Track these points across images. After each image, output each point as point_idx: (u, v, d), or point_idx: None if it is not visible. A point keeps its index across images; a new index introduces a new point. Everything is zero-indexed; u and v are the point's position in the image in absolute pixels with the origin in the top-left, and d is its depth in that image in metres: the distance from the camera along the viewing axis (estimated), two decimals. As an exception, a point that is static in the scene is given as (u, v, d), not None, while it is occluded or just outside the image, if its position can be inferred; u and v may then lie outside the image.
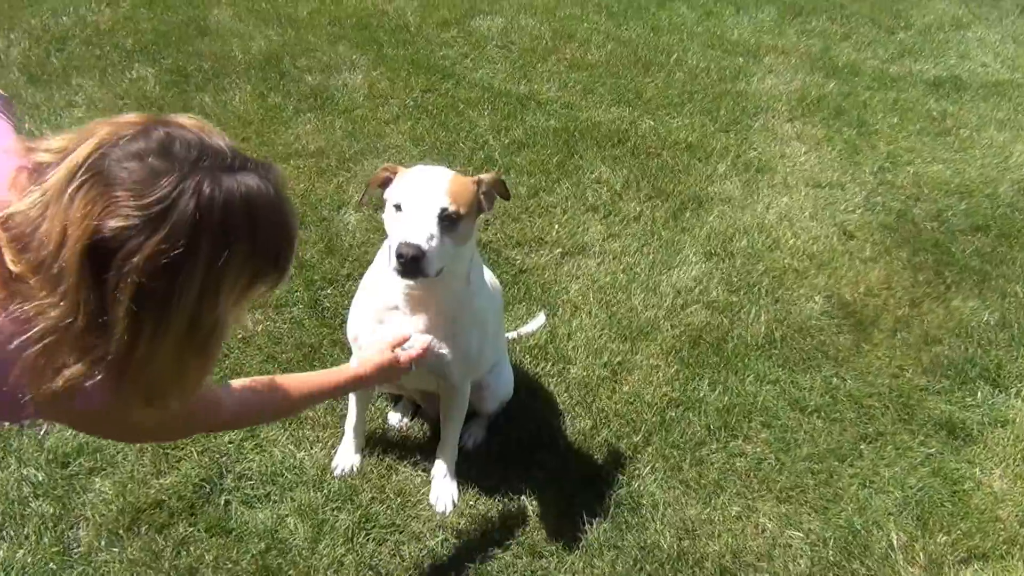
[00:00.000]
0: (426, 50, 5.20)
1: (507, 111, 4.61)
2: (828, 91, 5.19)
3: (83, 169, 1.16)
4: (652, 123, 4.66)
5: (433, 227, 1.99)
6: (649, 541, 2.54)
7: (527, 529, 2.55)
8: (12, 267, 1.18)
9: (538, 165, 4.17)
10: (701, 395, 3.03)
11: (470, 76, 4.97)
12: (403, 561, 2.43)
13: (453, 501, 2.61)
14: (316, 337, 3.08)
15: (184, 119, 1.28)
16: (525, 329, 3.18)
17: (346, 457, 2.68)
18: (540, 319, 3.20)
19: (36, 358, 1.19)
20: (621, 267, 3.59)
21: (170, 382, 1.31)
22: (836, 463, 2.84)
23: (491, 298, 2.47)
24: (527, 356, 3.11)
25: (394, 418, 2.86)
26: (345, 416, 2.70)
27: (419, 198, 2.01)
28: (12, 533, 2.38)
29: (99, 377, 1.22)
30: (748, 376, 3.12)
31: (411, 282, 2.12)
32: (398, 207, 2.04)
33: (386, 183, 2.16)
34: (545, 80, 5.00)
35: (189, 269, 1.19)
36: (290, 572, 2.35)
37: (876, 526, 2.64)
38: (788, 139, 4.69)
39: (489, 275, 2.55)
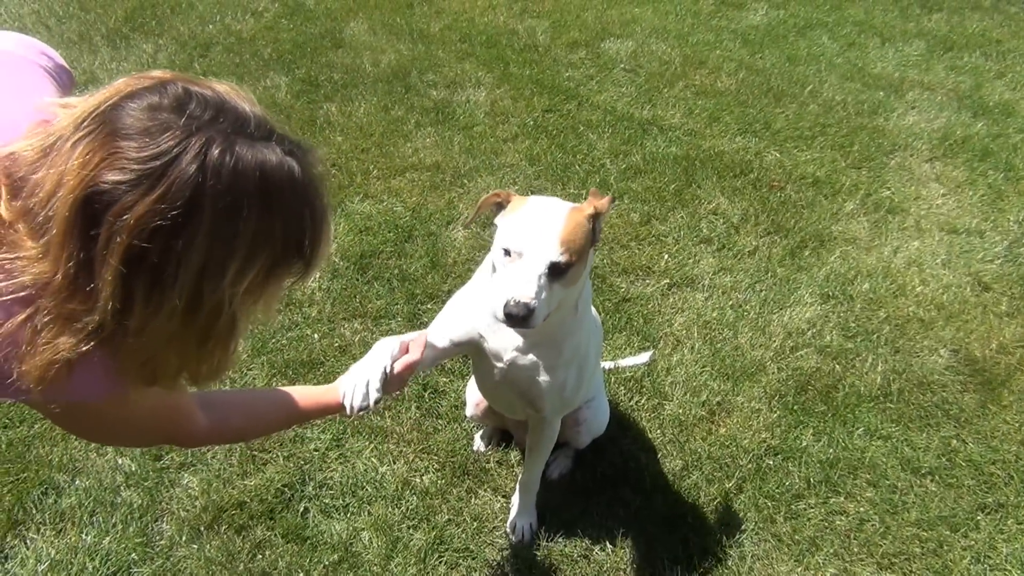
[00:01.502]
0: (552, 70, 5.18)
1: (627, 135, 4.53)
2: (975, 131, 4.86)
3: (92, 117, 1.09)
4: (778, 155, 4.48)
5: (543, 280, 1.86)
6: (732, 596, 2.40)
7: (603, 569, 2.46)
8: (3, 212, 1.11)
9: (653, 192, 4.07)
10: (803, 445, 2.85)
11: (594, 98, 4.91)
12: (472, 588, 2.38)
13: (532, 531, 2.54)
14: (411, 351, 3.07)
15: (217, 83, 1.19)
16: (626, 362, 3.08)
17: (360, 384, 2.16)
18: (645, 356, 3.08)
19: (21, 323, 1.11)
20: (730, 303, 3.45)
21: (170, 365, 1.21)
22: (948, 532, 2.62)
23: (594, 330, 2.37)
24: (622, 388, 3.01)
25: (479, 443, 2.81)
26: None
27: (530, 248, 1.87)
28: (101, 520, 2.46)
29: (87, 351, 1.12)
30: (857, 429, 2.93)
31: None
32: (507, 252, 1.91)
33: (498, 207, 2.05)
34: (670, 106, 4.89)
35: (188, 238, 1.08)
36: (359, 586, 2.34)
37: (988, 607, 2.42)
38: (926, 180, 4.41)
39: (591, 308, 2.47)
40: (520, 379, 2.19)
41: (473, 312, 2.21)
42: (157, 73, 1.16)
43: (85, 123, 1.08)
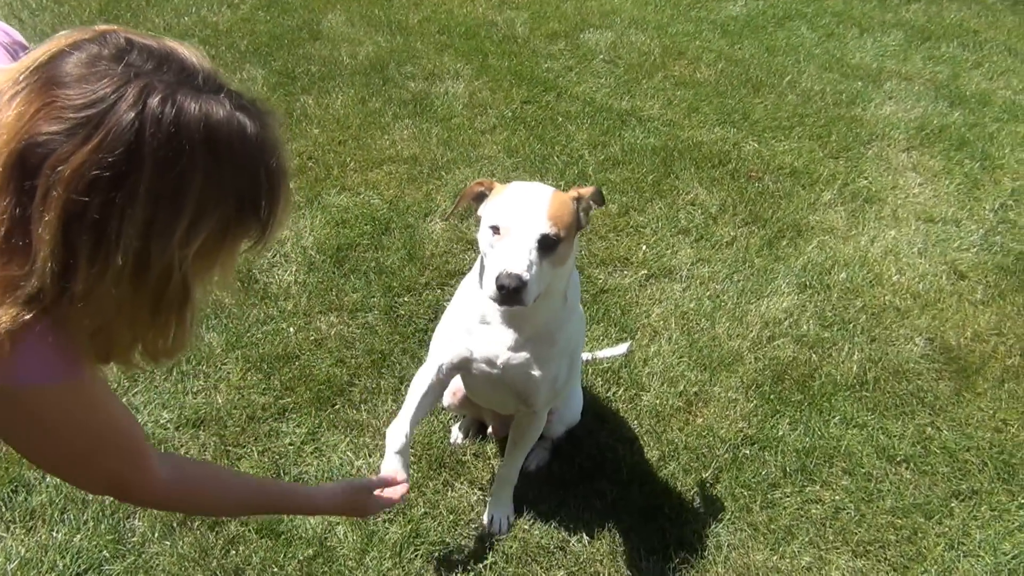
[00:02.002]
0: (531, 62, 5.16)
1: (606, 126, 4.52)
2: (952, 121, 4.89)
3: (30, 71, 1.04)
4: (757, 146, 4.49)
5: (533, 254, 1.88)
6: (708, 585, 2.40)
7: (580, 560, 2.45)
8: None
9: (632, 183, 4.06)
10: (780, 434, 2.86)
11: (573, 89, 4.90)
12: (449, 581, 2.37)
13: (509, 524, 2.54)
14: (388, 344, 3.06)
15: (169, 39, 1.14)
16: (603, 353, 3.08)
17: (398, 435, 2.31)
18: (623, 348, 3.09)
19: None
20: (708, 293, 3.45)
21: (123, 336, 1.15)
22: (922, 519, 2.63)
23: (581, 323, 2.37)
24: (599, 379, 3.01)
25: (456, 434, 2.80)
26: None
27: (518, 222, 1.89)
28: (73, 517, 2.44)
29: (29, 320, 1.05)
30: (833, 418, 2.94)
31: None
32: (495, 229, 1.93)
33: (480, 198, 2.06)
34: (649, 97, 4.89)
35: (129, 191, 1.02)
36: (333, 581, 2.33)
37: (962, 593, 2.44)
38: (903, 169, 4.43)
39: None
40: (516, 377, 2.18)
41: (459, 329, 2.23)
42: (101, 26, 1.11)
43: (23, 77, 1.04)
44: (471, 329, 2.19)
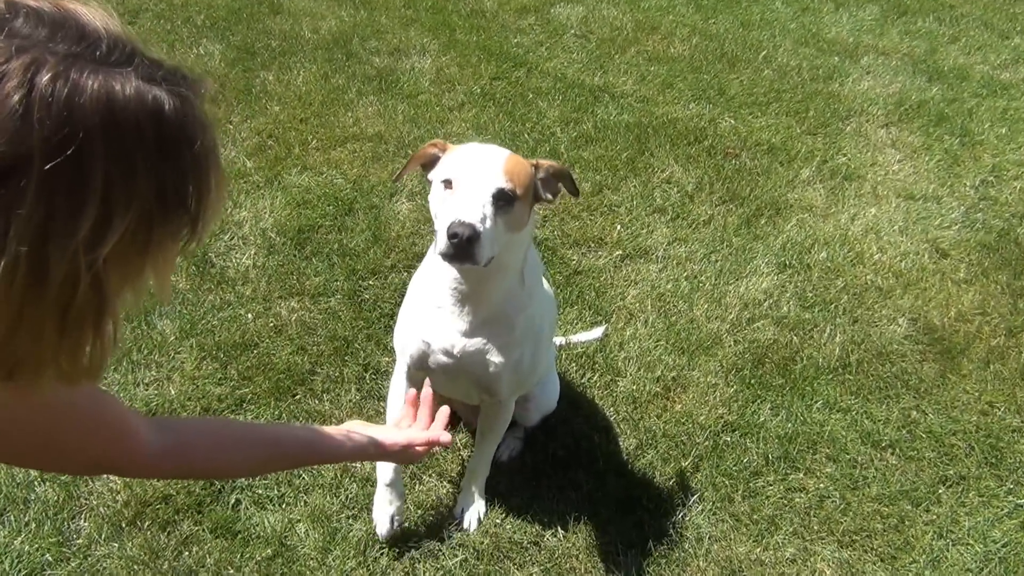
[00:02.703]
0: (500, 36, 5.00)
1: (578, 103, 4.38)
2: (930, 96, 4.80)
3: None
4: (733, 122, 4.37)
5: (488, 207, 1.76)
6: (689, 580, 2.29)
7: (555, 555, 2.33)
8: None
9: (605, 161, 3.93)
10: (761, 420, 2.75)
11: (543, 65, 4.74)
12: (416, 581, 2.24)
13: (479, 518, 2.41)
14: (351, 330, 2.91)
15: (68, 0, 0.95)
16: (578, 337, 2.95)
17: (383, 511, 2.34)
18: (598, 332, 2.97)
19: None
20: (685, 274, 3.33)
21: (28, 354, 0.98)
22: (909, 507, 2.54)
23: (547, 306, 2.24)
24: (573, 364, 2.88)
25: (424, 423, 2.67)
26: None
27: (473, 174, 1.79)
28: (13, 518, 2.28)
29: None
30: (816, 402, 2.83)
31: (458, 268, 1.91)
32: (448, 183, 1.82)
33: (432, 161, 1.94)
34: (622, 72, 4.75)
35: (15, 188, 0.85)
36: (293, 583, 2.19)
37: (951, 583, 2.34)
38: (882, 146, 4.33)
39: (544, 282, 2.34)
40: (474, 365, 2.06)
41: (414, 321, 2.13)
42: None
43: None
44: (426, 318, 2.09)
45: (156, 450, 1.32)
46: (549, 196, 1.95)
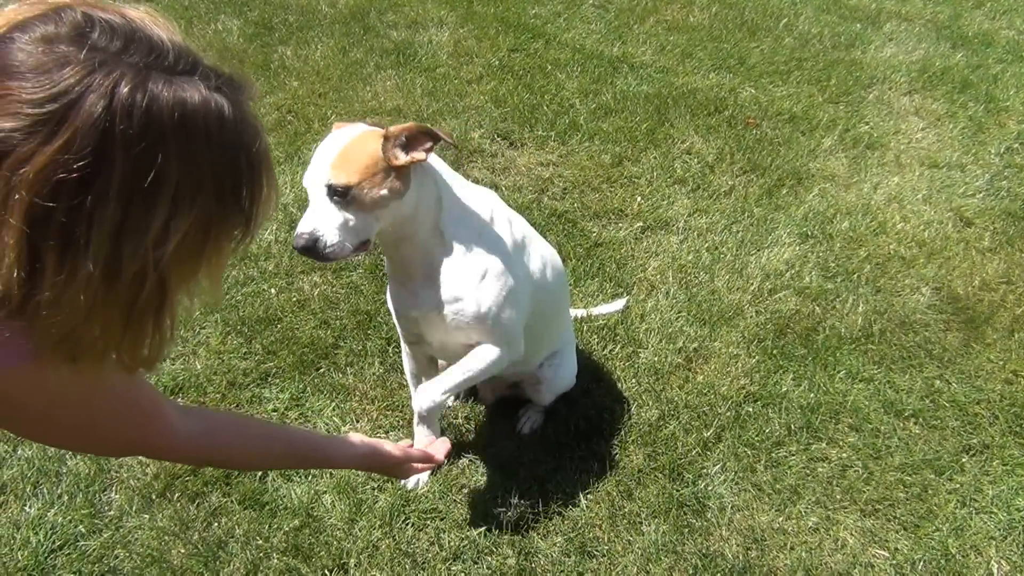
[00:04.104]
0: (518, 8, 4.97)
1: (597, 74, 4.36)
2: (954, 62, 4.73)
3: None
4: (754, 91, 4.33)
5: (324, 207, 1.86)
6: (712, 548, 2.30)
7: (579, 525, 2.35)
8: None
9: (625, 132, 3.91)
10: (783, 390, 2.75)
11: (562, 36, 4.72)
12: (441, 550, 2.26)
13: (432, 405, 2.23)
14: (374, 304, 2.93)
15: (129, 8, 1.01)
16: (599, 310, 2.96)
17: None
18: (619, 304, 2.97)
19: None
20: (706, 245, 3.32)
21: (94, 342, 1.04)
22: (932, 476, 2.53)
23: (493, 247, 2.13)
24: (595, 337, 2.89)
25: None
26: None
27: (309, 176, 1.89)
28: (46, 491, 2.32)
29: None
30: (838, 372, 2.83)
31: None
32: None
33: None
34: (641, 43, 4.71)
35: (98, 193, 0.92)
36: (321, 554, 2.22)
37: (974, 551, 2.34)
38: (905, 114, 4.28)
39: (549, 251, 2.33)
40: (433, 321, 2.11)
41: (390, 298, 2.23)
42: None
43: None
44: (391, 289, 2.20)
45: (183, 433, 1.37)
46: (421, 155, 1.92)
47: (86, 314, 1.00)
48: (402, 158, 1.90)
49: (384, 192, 1.90)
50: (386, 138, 1.90)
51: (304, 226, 1.85)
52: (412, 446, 1.85)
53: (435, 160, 2.03)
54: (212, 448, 1.49)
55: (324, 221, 1.85)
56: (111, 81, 0.91)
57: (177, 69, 0.98)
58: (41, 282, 0.95)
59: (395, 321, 2.25)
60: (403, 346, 2.39)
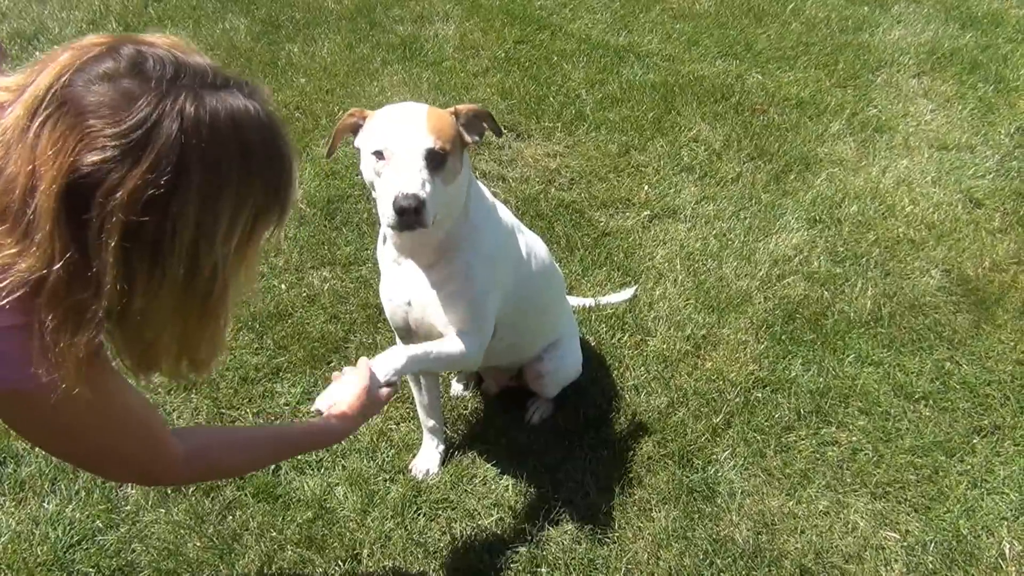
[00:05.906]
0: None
1: (603, 64, 4.36)
2: (963, 43, 4.70)
3: (46, 100, 1.03)
4: (761, 77, 4.32)
5: (424, 171, 1.77)
6: (723, 534, 2.31)
7: (589, 512, 2.36)
8: None
9: (632, 121, 3.91)
10: (792, 375, 2.76)
11: (567, 27, 4.72)
12: (454, 540, 2.28)
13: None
14: (383, 297, 2.95)
15: (154, 37, 1.14)
16: (608, 299, 2.97)
17: (426, 459, 2.49)
18: (628, 292, 2.99)
19: (21, 337, 1.06)
20: (714, 232, 3.32)
21: (171, 345, 1.18)
22: (943, 458, 2.53)
23: (501, 234, 2.14)
24: (603, 325, 2.90)
25: (457, 387, 2.71)
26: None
27: (402, 140, 1.79)
28: (64, 488, 2.36)
29: (98, 341, 1.10)
30: (848, 356, 2.83)
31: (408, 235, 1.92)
32: (379, 154, 1.82)
33: (355, 129, 1.95)
34: (647, 31, 4.70)
35: (181, 202, 1.07)
36: (334, 544, 2.24)
37: (986, 532, 2.34)
38: (913, 96, 4.26)
39: (535, 240, 2.34)
40: (426, 304, 2.06)
41: (382, 286, 2.16)
42: (94, 38, 1.11)
43: (41, 108, 1.03)
44: (394, 274, 2.11)
45: (181, 456, 1.43)
46: (476, 138, 1.95)
47: (170, 316, 1.14)
48: (466, 136, 1.92)
49: (459, 164, 1.89)
50: (455, 114, 1.89)
51: (412, 186, 1.75)
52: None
53: None
54: (211, 461, 1.56)
55: (426, 187, 1.77)
56: (178, 104, 1.06)
57: (218, 84, 1.12)
58: (134, 290, 1.08)
59: (386, 311, 2.19)
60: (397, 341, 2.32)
